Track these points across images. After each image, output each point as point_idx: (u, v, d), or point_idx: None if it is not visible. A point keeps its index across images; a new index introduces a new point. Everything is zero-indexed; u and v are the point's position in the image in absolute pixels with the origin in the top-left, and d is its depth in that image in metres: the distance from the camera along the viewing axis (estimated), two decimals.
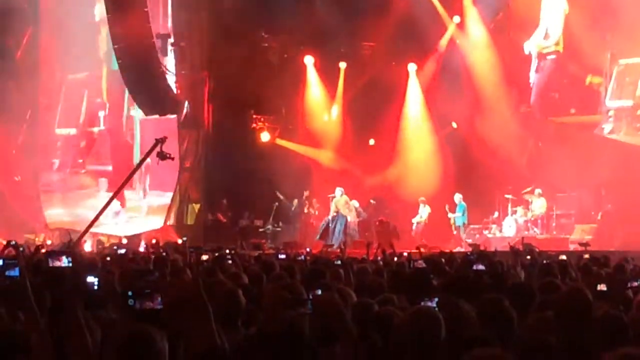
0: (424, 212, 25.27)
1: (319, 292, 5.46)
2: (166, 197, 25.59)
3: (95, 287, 4.90)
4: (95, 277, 4.93)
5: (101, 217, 18.21)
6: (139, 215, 25.99)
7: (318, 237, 24.37)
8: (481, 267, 9.05)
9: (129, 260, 11.69)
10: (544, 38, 25.13)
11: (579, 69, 24.27)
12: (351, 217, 24.87)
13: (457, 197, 24.78)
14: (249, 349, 3.52)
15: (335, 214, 24.67)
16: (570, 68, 24.57)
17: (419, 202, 25.29)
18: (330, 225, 24.65)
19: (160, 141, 17.46)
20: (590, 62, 23.74)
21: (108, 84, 26.78)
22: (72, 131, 27.52)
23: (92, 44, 26.39)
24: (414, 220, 25.31)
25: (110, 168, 26.63)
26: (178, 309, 3.53)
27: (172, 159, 19.97)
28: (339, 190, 24.68)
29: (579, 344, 4.43)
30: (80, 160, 27.54)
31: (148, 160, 19.59)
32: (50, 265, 5.49)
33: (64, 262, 5.40)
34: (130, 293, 4.36)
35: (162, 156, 17.38)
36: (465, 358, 3.12)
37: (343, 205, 24.65)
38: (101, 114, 27.41)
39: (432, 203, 25.13)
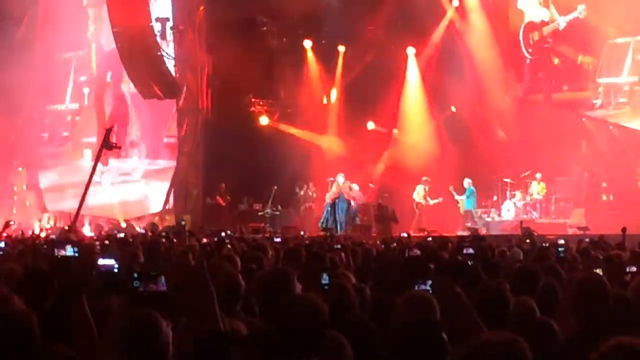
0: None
1: (324, 276, 5.45)
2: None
3: (116, 270, 4.80)
4: (114, 259, 4.83)
5: None
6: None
7: (323, 225, 24.00)
8: (471, 251, 9.16)
9: (127, 244, 11.79)
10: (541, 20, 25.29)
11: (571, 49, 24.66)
12: (351, 201, 24.81)
13: (466, 182, 24.41)
14: (270, 334, 3.49)
15: (331, 200, 24.44)
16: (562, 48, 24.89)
17: (422, 182, 24.88)
18: (329, 209, 24.56)
19: (108, 131, 17.53)
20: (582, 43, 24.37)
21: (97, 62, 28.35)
22: (61, 107, 29.35)
23: (82, 25, 27.91)
24: (416, 200, 24.84)
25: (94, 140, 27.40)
26: (181, 291, 3.46)
27: (119, 148, 20.03)
28: (341, 177, 24.45)
29: (596, 331, 4.35)
30: (66, 134, 29.47)
31: None
32: (57, 254, 5.43)
33: (69, 251, 5.36)
34: (136, 275, 4.34)
35: (109, 146, 17.47)
36: (476, 342, 3.00)
37: (346, 189, 24.54)
38: (85, 90, 29.08)
39: (431, 187, 24.97)
